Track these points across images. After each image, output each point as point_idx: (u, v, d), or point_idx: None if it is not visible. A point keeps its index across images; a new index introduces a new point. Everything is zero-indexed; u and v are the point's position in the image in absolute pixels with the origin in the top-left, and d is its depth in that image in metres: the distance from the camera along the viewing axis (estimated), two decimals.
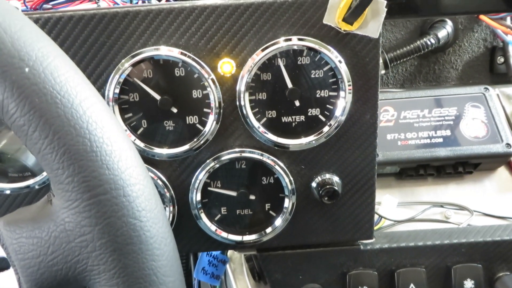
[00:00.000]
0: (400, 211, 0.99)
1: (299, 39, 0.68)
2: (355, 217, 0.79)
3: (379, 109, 1.05)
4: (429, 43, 1.15)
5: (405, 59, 1.18)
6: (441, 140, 1.01)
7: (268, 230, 0.77)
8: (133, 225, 0.39)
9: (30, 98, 0.37)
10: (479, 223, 0.95)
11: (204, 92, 0.71)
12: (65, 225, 0.40)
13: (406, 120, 1.05)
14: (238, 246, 0.79)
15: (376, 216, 0.95)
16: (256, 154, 0.73)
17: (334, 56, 0.69)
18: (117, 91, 0.68)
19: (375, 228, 0.94)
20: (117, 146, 0.40)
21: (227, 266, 0.96)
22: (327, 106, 0.73)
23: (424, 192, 1.03)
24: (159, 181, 0.73)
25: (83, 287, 0.42)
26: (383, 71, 1.19)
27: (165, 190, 0.74)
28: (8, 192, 0.72)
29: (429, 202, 1.00)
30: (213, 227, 0.76)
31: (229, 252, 0.97)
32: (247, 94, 0.70)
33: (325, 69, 0.71)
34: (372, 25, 0.67)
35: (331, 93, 0.72)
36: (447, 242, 0.82)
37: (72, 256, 0.40)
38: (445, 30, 1.17)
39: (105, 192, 0.39)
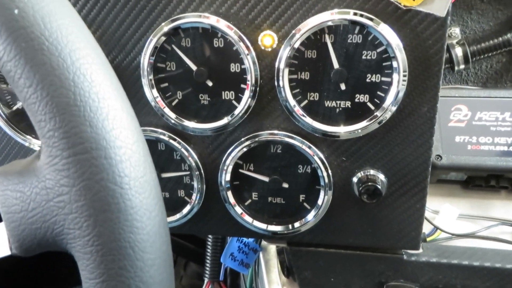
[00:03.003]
0: (461, 224, 0.87)
1: (352, 14, 0.60)
2: (400, 222, 0.70)
3: (451, 107, 0.94)
4: None
5: (490, 54, 1.04)
6: None
7: (297, 224, 0.71)
8: (112, 191, 0.36)
9: (17, 42, 0.35)
10: None
11: (243, 66, 0.66)
12: (45, 182, 0.37)
13: (482, 122, 0.91)
14: (266, 236, 0.74)
15: (430, 226, 0.85)
16: (293, 139, 0.67)
17: (390, 36, 0.61)
18: (153, 56, 0.65)
19: (428, 239, 0.84)
20: (106, 103, 0.37)
21: (260, 256, 0.91)
22: (378, 93, 0.64)
23: (493, 206, 0.89)
24: (190, 158, 0.70)
25: (64, 251, 0.40)
26: (462, 66, 1.05)
27: (195, 167, 0.70)
28: (38, 148, 0.74)
29: (497, 218, 0.87)
30: (239, 210, 0.71)
31: (264, 242, 0.92)
32: (286, 72, 0.64)
33: (379, 50, 0.62)
34: (439, 0, 0.58)
35: (383, 79, 0.64)
36: (509, 266, 0.69)
37: (50, 215, 0.38)
38: None
39: (84, 151, 0.35)
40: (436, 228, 0.84)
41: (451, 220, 0.85)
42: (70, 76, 0.35)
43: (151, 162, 0.40)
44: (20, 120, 0.77)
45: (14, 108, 0.76)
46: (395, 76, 0.62)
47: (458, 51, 1.05)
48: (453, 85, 1.09)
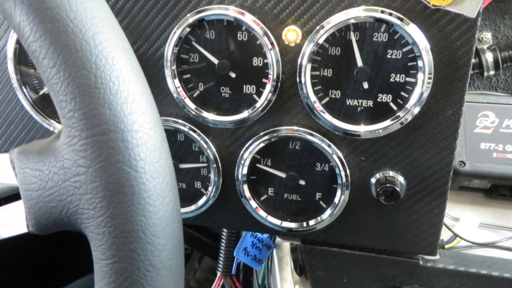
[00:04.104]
0: (481, 233, 0.84)
1: (379, 11, 0.59)
2: (417, 226, 0.69)
3: (477, 112, 0.92)
4: None
5: None
6: None
7: (312, 222, 0.70)
8: (127, 173, 0.36)
9: (43, 23, 0.36)
10: None
11: (265, 61, 0.65)
12: (63, 162, 0.38)
13: (509, 130, 0.89)
14: (280, 232, 0.73)
15: (449, 234, 0.83)
16: (312, 137, 0.67)
17: (417, 35, 0.59)
18: (177, 47, 0.66)
19: (446, 246, 0.82)
20: (126, 87, 0.37)
21: (274, 253, 0.91)
22: (402, 93, 0.63)
23: None
24: (208, 150, 0.70)
25: (78, 231, 0.40)
26: (492, 72, 1.02)
27: (213, 160, 0.71)
28: None
29: None
30: (254, 204, 0.71)
31: (278, 239, 0.92)
32: (309, 68, 0.63)
33: (404, 50, 0.61)
34: (469, 1, 0.56)
35: (408, 79, 0.62)
36: None
37: (66, 195, 0.38)
38: None
39: (102, 133, 0.36)
40: (456, 235, 0.82)
41: (472, 229, 0.83)
42: (92, 58, 0.36)
43: (167, 149, 0.40)
44: (46, 106, 0.78)
45: (41, 93, 0.77)
46: (420, 76, 0.61)
47: (489, 57, 1.02)
48: (482, 91, 1.06)
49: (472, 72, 1.04)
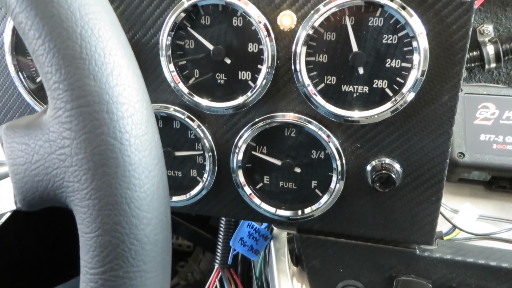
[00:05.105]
0: (480, 226, 0.83)
1: None
2: (414, 215, 0.68)
3: (477, 104, 0.91)
4: None
5: None
6: None
7: (307, 210, 0.70)
8: (112, 145, 0.36)
9: None
10: None
11: (261, 46, 0.65)
12: (49, 135, 0.38)
13: (510, 122, 0.87)
14: (276, 221, 0.73)
15: (448, 225, 0.82)
16: (308, 123, 0.66)
17: (413, 20, 0.59)
18: (172, 31, 0.66)
19: (445, 238, 0.81)
20: (112, 59, 0.37)
21: (271, 244, 0.90)
22: (397, 79, 0.63)
23: None
24: (203, 138, 0.70)
25: (64, 206, 0.40)
26: (493, 65, 1.01)
27: (209, 147, 0.70)
28: None
29: None
30: (248, 190, 0.71)
31: (276, 231, 0.91)
32: (304, 54, 0.63)
33: (400, 34, 0.61)
34: None
35: (404, 64, 0.62)
36: None
37: (51, 168, 0.38)
38: None
39: (87, 104, 0.36)
40: (454, 227, 0.81)
41: (471, 220, 0.82)
42: (78, 29, 0.36)
43: (154, 123, 0.40)
44: (45, 95, 0.79)
45: (38, 80, 0.78)
46: (415, 61, 0.60)
47: (490, 49, 1.01)
48: (483, 83, 1.05)
49: (473, 65, 1.04)
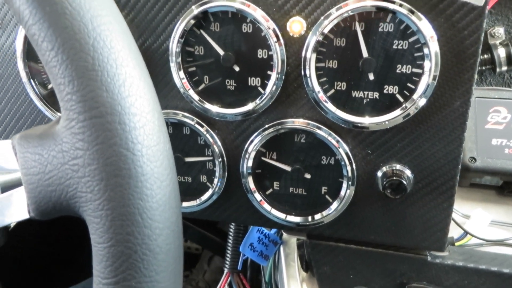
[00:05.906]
0: (492, 231, 0.82)
1: (384, 1, 0.59)
2: (425, 221, 0.67)
3: (489, 108, 0.90)
4: None
5: None
6: None
7: (317, 216, 0.69)
8: (124, 156, 0.36)
9: (41, 6, 0.36)
10: None
11: (270, 53, 0.65)
12: (62, 145, 0.38)
13: None
14: (286, 227, 0.73)
15: (460, 231, 0.81)
16: (318, 129, 0.66)
17: (424, 25, 0.58)
18: (182, 38, 0.66)
19: (456, 244, 0.80)
20: (124, 70, 0.37)
21: (281, 249, 0.90)
22: (408, 85, 0.62)
23: None
24: (213, 144, 0.70)
25: (77, 215, 0.40)
26: (504, 68, 1.00)
27: (218, 153, 0.71)
28: None
29: None
30: (258, 197, 0.71)
31: (285, 236, 0.91)
32: (314, 60, 0.63)
33: (411, 40, 0.60)
34: None
35: (414, 70, 0.61)
36: None
37: (65, 178, 0.38)
38: None
39: (99, 115, 0.36)
40: (466, 232, 0.80)
41: (483, 226, 0.81)
42: (90, 41, 0.36)
43: (165, 133, 0.40)
44: (56, 101, 0.79)
45: (49, 86, 0.78)
46: (426, 67, 0.60)
47: (501, 52, 1.00)
48: (494, 87, 1.04)
49: (484, 68, 1.03)
